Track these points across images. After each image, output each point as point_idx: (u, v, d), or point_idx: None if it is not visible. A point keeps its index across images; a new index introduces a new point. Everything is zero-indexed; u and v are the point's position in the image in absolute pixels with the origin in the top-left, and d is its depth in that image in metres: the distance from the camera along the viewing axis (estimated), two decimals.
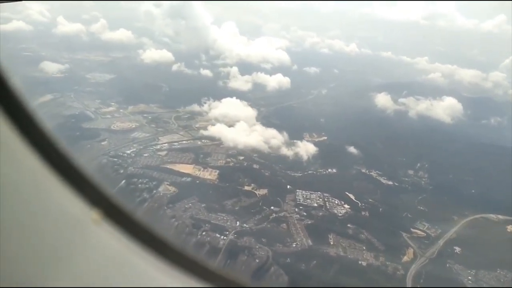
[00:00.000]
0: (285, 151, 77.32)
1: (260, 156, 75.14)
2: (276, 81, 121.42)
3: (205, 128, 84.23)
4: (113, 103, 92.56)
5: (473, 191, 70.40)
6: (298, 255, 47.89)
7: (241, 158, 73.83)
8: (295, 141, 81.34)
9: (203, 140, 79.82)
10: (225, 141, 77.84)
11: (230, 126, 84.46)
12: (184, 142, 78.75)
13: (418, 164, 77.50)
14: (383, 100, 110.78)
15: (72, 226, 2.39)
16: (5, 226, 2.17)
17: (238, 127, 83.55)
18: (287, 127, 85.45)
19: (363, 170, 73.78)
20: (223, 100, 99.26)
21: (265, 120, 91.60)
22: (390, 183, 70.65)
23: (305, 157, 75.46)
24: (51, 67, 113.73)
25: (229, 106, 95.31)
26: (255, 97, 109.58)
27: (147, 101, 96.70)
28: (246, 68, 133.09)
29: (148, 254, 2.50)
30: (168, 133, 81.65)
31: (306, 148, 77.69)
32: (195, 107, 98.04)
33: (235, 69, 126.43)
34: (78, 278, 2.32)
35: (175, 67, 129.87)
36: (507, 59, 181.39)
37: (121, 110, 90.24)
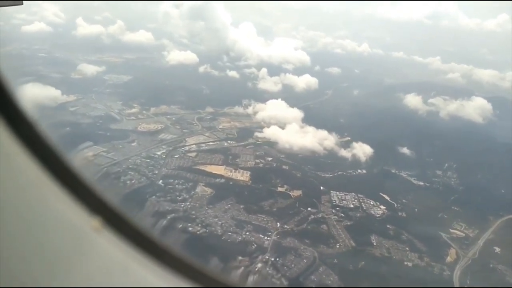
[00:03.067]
0: (343, 152, 78.42)
1: (288, 157, 75.11)
2: (304, 82, 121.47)
3: (259, 131, 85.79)
4: (135, 105, 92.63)
5: (503, 191, 70.16)
6: (344, 256, 47.86)
7: (270, 159, 73.82)
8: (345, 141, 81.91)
9: (258, 141, 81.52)
10: (280, 143, 79.39)
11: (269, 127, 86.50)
12: (211, 143, 78.70)
13: (446, 164, 77.33)
14: (413, 100, 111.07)
15: (72, 234, 2.35)
16: (4, 233, 2.12)
17: (289, 128, 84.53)
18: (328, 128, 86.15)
19: (393, 171, 73.71)
20: (268, 102, 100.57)
21: (309, 122, 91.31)
22: (421, 183, 70.59)
23: (362, 158, 76.62)
24: (88, 69, 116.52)
25: (276, 108, 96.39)
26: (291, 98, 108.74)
27: (171, 102, 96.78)
28: (269, 69, 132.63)
29: (149, 262, 2.46)
30: (194, 135, 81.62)
31: (363, 150, 78.08)
32: (237, 109, 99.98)
33: (264, 70, 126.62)
34: (78, 286, 2.28)
35: (201, 69, 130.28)
36: None
37: (144, 112, 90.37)
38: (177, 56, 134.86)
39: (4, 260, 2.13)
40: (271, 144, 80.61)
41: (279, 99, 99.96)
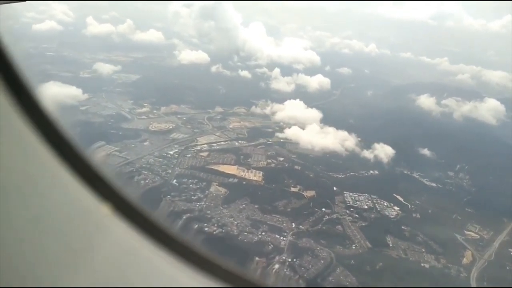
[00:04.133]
0: (366, 153, 78.46)
1: (299, 157, 75.07)
2: (317, 82, 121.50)
3: (280, 131, 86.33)
4: (145, 104, 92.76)
5: None
6: (361, 257, 47.80)
7: (281, 159, 73.77)
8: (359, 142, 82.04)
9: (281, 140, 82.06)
10: (302, 143, 79.81)
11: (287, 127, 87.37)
12: (222, 143, 78.71)
13: (458, 166, 77.10)
14: (427, 102, 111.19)
15: (83, 219, 2.39)
16: (17, 216, 2.18)
17: (310, 129, 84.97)
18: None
19: (405, 172, 73.57)
20: (286, 102, 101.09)
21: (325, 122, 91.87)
22: (434, 185, 70.42)
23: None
24: (104, 68, 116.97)
25: (294, 108, 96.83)
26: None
27: (181, 102, 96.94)
28: (280, 69, 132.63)
29: (159, 249, 2.46)
30: (205, 134, 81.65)
31: (384, 150, 78.33)
32: (254, 109, 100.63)
33: (276, 70, 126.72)
34: (90, 271, 2.31)
35: (214, 69, 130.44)
36: None
37: (154, 111, 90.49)
38: (188, 55, 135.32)
39: (17, 242, 2.17)
40: (282, 144, 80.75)
41: (297, 100, 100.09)
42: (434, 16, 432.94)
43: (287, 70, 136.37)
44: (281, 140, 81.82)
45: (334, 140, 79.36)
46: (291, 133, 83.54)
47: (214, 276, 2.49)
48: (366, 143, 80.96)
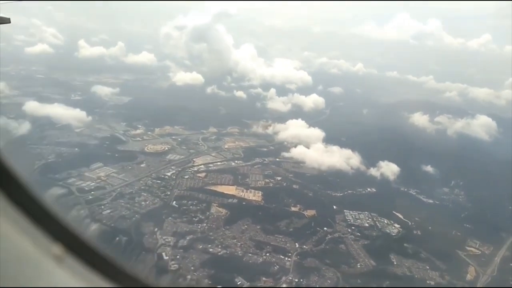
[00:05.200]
0: (373, 171, 79.41)
1: (296, 176, 75.15)
2: (312, 101, 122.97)
3: (286, 150, 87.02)
4: (139, 126, 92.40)
5: (510, 207, 70.97)
6: (367, 276, 47.55)
7: (279, 178, 73.71)
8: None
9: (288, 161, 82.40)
10: (308, 162, 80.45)
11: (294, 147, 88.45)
12: (219, 163, 78.37)
13: (452, 182, 78.15)
14: (421, 119, 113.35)
15: (32, 262, 2.22)
16: None
17: (315, 148, 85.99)
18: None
19: (402, 189, 74.19)
20: (288, 122, 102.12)
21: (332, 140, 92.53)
22: (431, 201, 71.12)
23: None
24: (103, 90, 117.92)
25: (296, 127, 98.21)
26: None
27: (174, 123, 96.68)
28: (274, 89, 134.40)
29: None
30: (201, 155, 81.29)
31: (391, 169, 79.31)
32: (255, 129, 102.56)
33: (272, 91, 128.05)
34: None
35: (209, 90, 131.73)
36: (509, 77, 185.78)
37: (149, 133, 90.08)
38: (182, 77, 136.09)
39: None
40: (278, 163, 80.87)
41: (299, 119, 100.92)
42: (415, 35, 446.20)
43: (281, 90, 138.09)
44: (287, 160, 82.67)
45: (339, 158, 79.86)
46: (297, 152, 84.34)
47: None
48: (365, 161, 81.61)
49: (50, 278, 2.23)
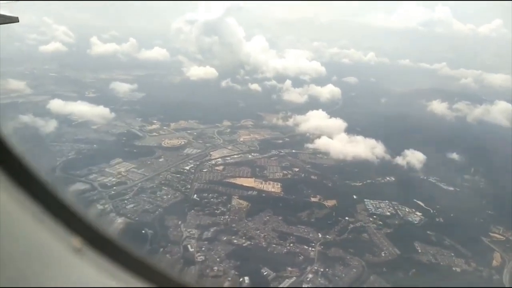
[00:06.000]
0: (399, 160, 79.09)
1: (314, 167, 75.03)
2: (328, 92, 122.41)
3: (311, 141, 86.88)
4: (155, 121, 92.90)
5: None
6: (392, 264, 47.39)
7: (296, 169, 73.65)
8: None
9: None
10: (333, 153, 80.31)
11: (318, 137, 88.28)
12: (235, 156, 78.55)
13: (472, 169, 77.40)
14: (440, 107, 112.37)
15: (52, 255, 2.32)
16: None
17: (339, 138, 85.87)
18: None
19: (421, 177, 73.70)
20: (308, 113, 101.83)
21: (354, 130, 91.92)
22: (451, 188, 70.45)
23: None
24: (117, 87, 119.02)
25: (317, 118, 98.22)
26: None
27: (188, 117, 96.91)
28: (284, 80, 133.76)
29: (135, 280, 2.43)
30: (217, 148, 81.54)
31: (416, 157, 78.92)
32: (275, 121, 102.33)
33: (288, 82, 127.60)
34: None
35: (224, 83, 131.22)
36: None
37: (164, 127, 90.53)
38: (196, 71, 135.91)
39: None
40: (294, 155, 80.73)
41: (320, 110, 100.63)
42: (424, 22, 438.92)
43: (296, 81, 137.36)
44: (304, 151, 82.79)
45: (364, 148, 79.55)
46: (321, 143, 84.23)
47: None
48: (389, 151, 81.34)
49: (70, 269, 2.33)
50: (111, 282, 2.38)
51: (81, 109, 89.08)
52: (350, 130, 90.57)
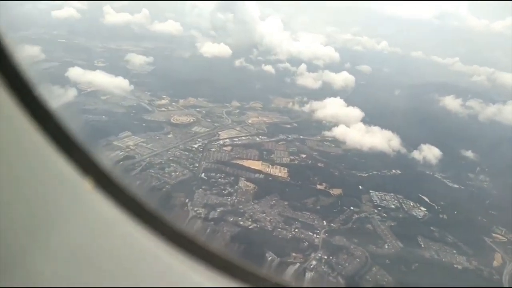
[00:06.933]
0: (416, 154, 79.35)
1: (321, 155, 75.09)
2: (342, 79, 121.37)
3: (328, 129, 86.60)
4: (164, 96, 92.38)
5: None
6: (395, 257, 47.93)
7: (304, 156, 73.69)
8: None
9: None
10: (349, 143, 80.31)
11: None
12: (243, 138, 78.49)
13: (478, 168, 77.49)
14: (453, 103, 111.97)
15: (65, 192, 2.45)
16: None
17: (356, 128, 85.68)
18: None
19: (427, 172, 73.86)
20: (326, 100, 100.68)
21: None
22: (456, 186, 70.57)
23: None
24: (137, 59, 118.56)
25: (334, 106, 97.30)
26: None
27: (197, 95, 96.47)
28: (298, 64, 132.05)
29: (140, 225, 2.50)
30: (225, 128, 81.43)
31: (432, 152, 79.13)
32: (291, 106, 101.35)
33: (303, 67, 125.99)
34: (70, 245, 2.38)
35: (237, 63, 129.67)
36: None
37: (173, 103, 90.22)
38: (210, 48, 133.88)
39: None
40: (302, 141, 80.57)
41: (338, 97, 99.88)
42: (438, 15, 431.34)
43: (309, 66, 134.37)
44: (328, 139, 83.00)
45: (379, 139, 79.45)
46: (339, 131, 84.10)
47: (199, 257, 2.51)
48: (404, 143, 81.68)
49: (81, 207, 2.47)
50: (118, 224, 2.50)
51: (90, 78, 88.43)
52: (366, 120, 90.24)
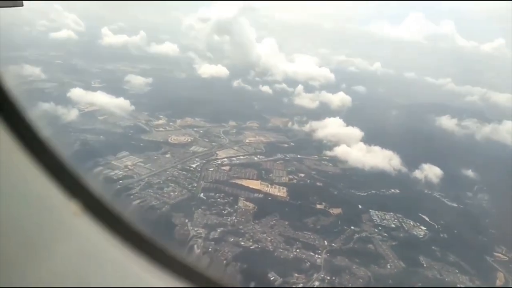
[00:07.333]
0: (417, 173, 79.54)
1: (319, 174, 74.95)
2: (339, 100, 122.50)
3: (330, 148, 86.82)
4: (161, 116, 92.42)
5: None
6: (397, 277, 47.41)
7: (302, 175, 73.51)
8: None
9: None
10: (351, 162, 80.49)
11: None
12: (241, 157, 78.24)
13: (476, 187, 77.67)
14: (449, 123, 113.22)
15: (52, 216, 2.40)
16: None
17: (357, 147, 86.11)
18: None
19: (426, 191, 73.84)
20: (325, 120, 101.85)
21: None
22: (455, 205, 70.57)
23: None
24: (136, 80, 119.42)
25: (334, 126, 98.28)
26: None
27: (195, 115, 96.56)
28: (294, 85, 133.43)
29: (128, 249, 2.46)
30: (223, 148, 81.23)
31: (433, 171, 79.66)
32: (290, 125, 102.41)
33: (300, 87, 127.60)
34: (56, 271, 2.32)
35: (235, 83, 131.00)
36: None
37: (171, 123, 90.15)
38: (208, 69, 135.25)
39: None
40: (300, 160, 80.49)
41: (337, 117, 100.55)
42: (428, 36, 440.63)
43: (305, 86, 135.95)
44: (326, 158, 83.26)
45: (380, 159, 79.72)
46: (340, 151, 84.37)
47: (184, 278, 2.45)
48: (404, 163, 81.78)
49: (68, 231, 2.39)
50: (106, 248, 2.42)
51: (91, 98, 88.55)
52: (365, 140, 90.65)
